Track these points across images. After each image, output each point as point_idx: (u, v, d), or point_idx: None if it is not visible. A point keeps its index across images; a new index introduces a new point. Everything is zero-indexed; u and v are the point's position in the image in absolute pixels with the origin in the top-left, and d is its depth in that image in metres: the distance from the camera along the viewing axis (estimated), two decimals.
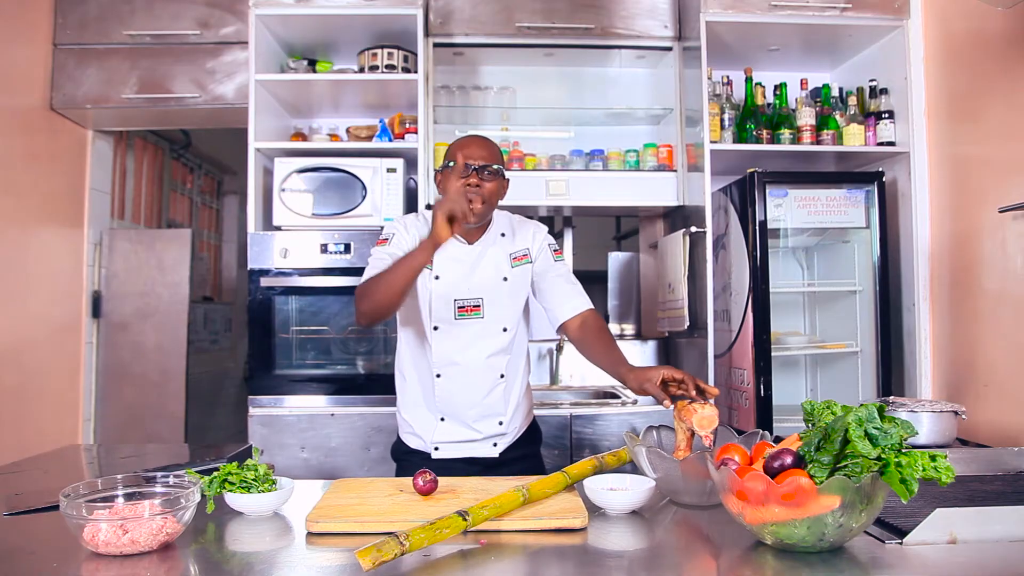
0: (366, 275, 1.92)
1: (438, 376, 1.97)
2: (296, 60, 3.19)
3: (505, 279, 2.00)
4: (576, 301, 2.03)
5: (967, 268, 2.65)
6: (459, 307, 1.96)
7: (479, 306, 1.97)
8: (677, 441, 1.54)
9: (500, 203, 2.08)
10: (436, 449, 2.00)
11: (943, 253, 2.80)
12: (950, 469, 1.09)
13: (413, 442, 2.05)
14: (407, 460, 2.05)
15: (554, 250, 2.08)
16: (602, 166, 3.26)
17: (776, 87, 3.15)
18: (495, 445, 2.02)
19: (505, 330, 1.99)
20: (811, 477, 1.12)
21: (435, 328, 1.96)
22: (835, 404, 1.23)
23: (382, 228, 2.85)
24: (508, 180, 2.00)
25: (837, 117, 3.07)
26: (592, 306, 2.04)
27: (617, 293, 3.68)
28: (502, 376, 2.00)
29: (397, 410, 2.10)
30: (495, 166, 1.93)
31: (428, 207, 2.89)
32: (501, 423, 2.01)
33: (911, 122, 2.89)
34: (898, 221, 2.94)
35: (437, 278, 1.96)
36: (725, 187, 2.99)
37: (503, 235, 2.04)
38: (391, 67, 3.02)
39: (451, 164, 1.93)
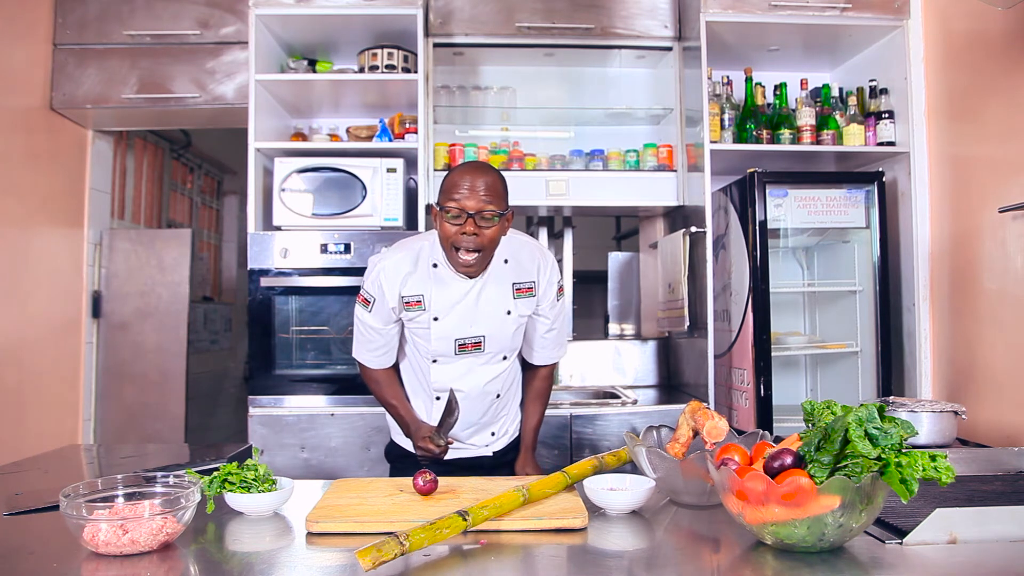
0: (358, 346, 1.98)
1: (437, 399, 1.96)
2: (296, 60, 3.19)
3: (508, 312, 1.90)
4: (549, 353, 2.07)
5: (967, 268, 2.65)
6: (460, 344, 1.89)
7: (480, 343, 1.90)
8: (677, 435, 1.54)
9: None
10: None
11: (943, 253, 2.80)
12: (950, 469, 1.09)
13: (406, 443, 2.04)
14: (402, 463, 2.04)
15: (558, 287, 1.98)
16: (602, 166, 3.26)
17: (776, 87, 3.15)
18: (487, 445, 2.04)
19: (505, 358, 1.97)
20: (811, 477, 1.12)
21: (434, 361, 1.92)
22: (835, 404, 1.23)
23: (382, 229, 2.91)
24: (512, 213, 1.83)
25: (837, 117, 3.07)
26: (563, 355, 2.11)
27: (617, 293, 3.68)
28: (498, 396, 2.00)
29: (385, 411, 2.09)
30: (494, 210, 1.73)
31: (428, 208, 2.90)
32: (493, 433, 2.04)
33: (911, 122, 2.89)
34: (898, 221, 2.94)
35: (436, 319, 1.87)
36: (725, 187, 2.98)
37: (506, 261, 1.91)
38: (391, 67, 3.02)
39: (444, 208, 1.74)
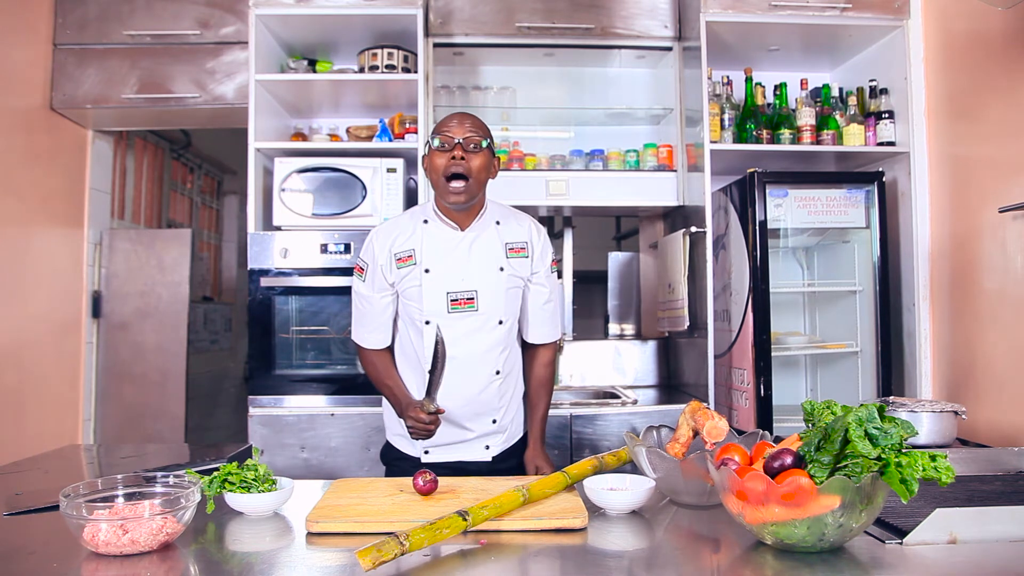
0: (355, 325, 2.03)
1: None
2: (296, 60, 3.19)
3: (501, 269, 1.93)
4: (547, 330, 2.07)
5: (967, 268, 2.65)
6: (452, 300, 1.90)
7: (473, 299, 1.90)
8: (677, 435, 1.54)
9: (501, 204, 2.07)
10: (426, 453, 1.98)
11: (943, 253, 2.80)
12: (950, 469, 1.09)
13: (402, 445, 2.02)
14: (396, 465, 2.02)
15: (552, 261, 2.03)
16: (602, 166, 3.26)
17: (776, 87, 3.15)
18: (487, 448, 1.99)
19: (501, 323, 1.94)
20: (811, 477, 1.12)
21: (427, 323, 1.91)
22: (835, 404, 1.23)
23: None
24: (499, 158, 1.96)
25: (837, 117, 3.07)
26: (559, 335, 2.13)
27: (617, 293, 3.68)
28: (498, 372, 1.96)
29: (384, 410, 2.06)
30: (481, 140, 1.86)
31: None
32: (494, 421, 1.98)
33: (911, 122, 2.89)
34: (898, 221, 2.94)
35: (427, 271, 1.90)
36: (725, 187, 2.99)
37: (498, 223, 1.97)
38: (391, 67, 3.02)
39: (434, 141, 1.87)
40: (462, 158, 1.83)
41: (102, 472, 1.88)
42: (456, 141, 1.84)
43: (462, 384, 1.91)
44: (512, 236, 1.97)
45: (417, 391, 1.96)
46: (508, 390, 2.01)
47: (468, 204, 1.89)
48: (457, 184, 1.84)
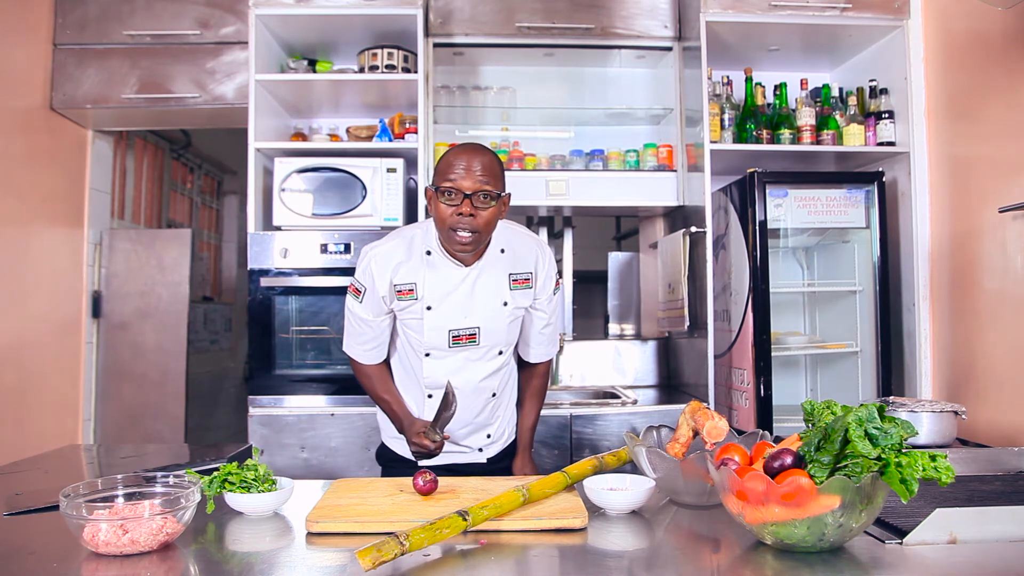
0: (348, 339, 1.95)
1: (429, 396, 1.91)
2: (296, 60, 3.19)
3: (505, 304, 1.86)
4: (545, 349, 2.05)
5: (967, 268, 2.65)
6: (454, 336, 1.85)
7: (475, 335, 1.86)
8: (677, 435, 1.54)
9: None
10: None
11: (943, 253, 2.80)
12: (950, 469, 1.09)
13: (397, 447, 2.02)
14: (394, 466, 2.02)
15: (555, 281, 1.96)
16: (602, 166, 3.26)
17: (776, 87, 3.15)
18: (481, 451, 2.01)
19: (501, 353, 1.92)
20: (811, 477, 1.12)
21: (427, 355, 1.88)
22: (835, 404, 1.23)
23: (382, 229, 2.91)
24: (509, 195, 1.79)
25: (837, 117, 3.07)
26: (556, 350, 2.11)
27: (617, 293, 3.68)
28: (494, 395, 1.96)
29: (378, 410, 2.05)
30: (491, 191, 1.69)
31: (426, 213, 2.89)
32: (489, 435, 2.00)
33: (911, 122, 2.89)
34: (898, 221, 2.94)
35: (429, 308, 1.83)
36: (725, 187, 2.99)
37: (502, 251, 1.87)
38: (391, 67, 3.02)
39: (440, 188, 1.70)
40: (471, 214, 1.68)
41: (102, 472, 1.88)
42: (465, 195, 1.67)
43: (461, 409, 1.87)
44: (517, 266, 1.88)
45: (415, 405, 1.95)
46: (502, 404, 2.02)
47: (474, 251, 1.79)
48: (464, 235, 1.71)
